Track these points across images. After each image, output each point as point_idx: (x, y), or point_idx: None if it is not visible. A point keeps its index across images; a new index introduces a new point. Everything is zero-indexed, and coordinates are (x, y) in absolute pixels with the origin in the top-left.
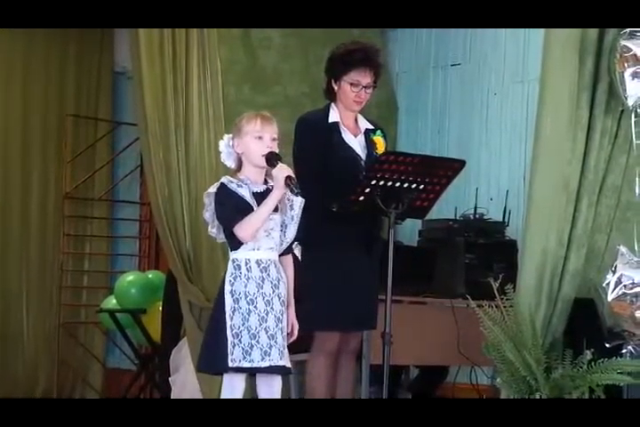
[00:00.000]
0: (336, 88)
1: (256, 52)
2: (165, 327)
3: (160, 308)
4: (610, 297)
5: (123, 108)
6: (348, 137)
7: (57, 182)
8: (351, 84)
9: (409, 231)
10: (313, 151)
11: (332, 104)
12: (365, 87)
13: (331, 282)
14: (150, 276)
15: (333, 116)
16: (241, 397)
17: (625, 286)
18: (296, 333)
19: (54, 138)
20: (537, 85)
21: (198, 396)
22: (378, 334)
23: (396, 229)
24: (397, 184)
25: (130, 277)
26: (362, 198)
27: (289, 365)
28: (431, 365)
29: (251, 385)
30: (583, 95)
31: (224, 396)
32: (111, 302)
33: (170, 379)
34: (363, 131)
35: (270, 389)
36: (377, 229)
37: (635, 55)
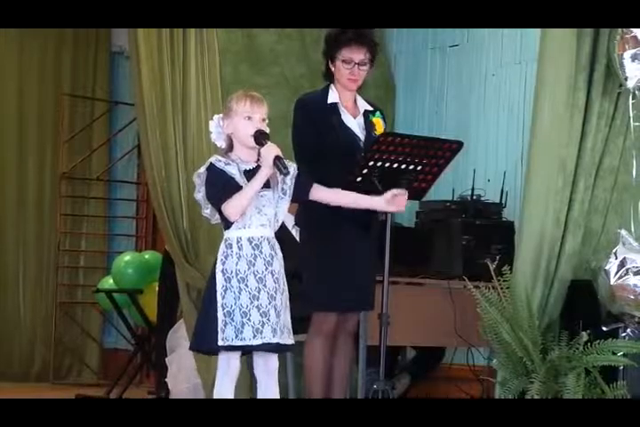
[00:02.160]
0: (333, 69)
1: (253, 33)
2: (161, 308)
3: (157, 288)
4: (612, 280)
5: (120, 87)
6: (347, 118)
7: (53, 162)
8: (344, 62)
9: (406, 212)
10: (312, 132)
11: (331, 85)
12: (359, 64)
13: (328, 263)
14: (147, 256)
15: (332, 97)
16: (236, 376)
17: (628, 269)
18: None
19: (51, 118)
20: (535, 67)
21: (195, 376)
22: (375, 314)
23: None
24: (395, 165)
25: (127, 257)
26: (359, 179)
27: (286, 342)
28: (428, 346)
29: (249, 364)
30: (580, 77)
31: (219, 375)
32: (108, 283)
33: (167, 359)
34: (362, 112)
35: (267, 367)
36: (374, 211)
37: (635, 37)
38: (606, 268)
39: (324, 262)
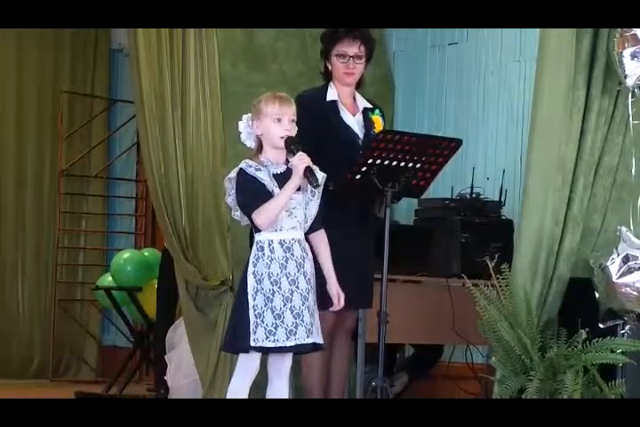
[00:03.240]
0: (330, 66)
1: (252, 31)
2: (160, 305)
3: (156, 285)
4: (614, 277)
5: (119, 85)
6: (346, 116)
7: (53, 160)
8: (338, 56)
9: (405, 210)
10: (310, 129)
11: (330, 83)
12: (354, 57)
13: None
14: (146, 253)
15: (331, 94)
16: (254, 376)
17: (630, 266)
18: (342, 301)
19: (50, 115)
20: (534, 65)
21: (194, 374)
22: (373, 312)
23: (392, 208)
24: (394, 163)
25: (126, 254)
26: (358, 177)
27: (320, 341)
28: (426, 344)
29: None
30: (580, 75)
31: (237, 374)
32: (107, 280)
33: (166, 356)
34: (361, 110)
35: (280, 366)
36: (373, 209)
37: (635, 35)
38: (608, 265)
39: None
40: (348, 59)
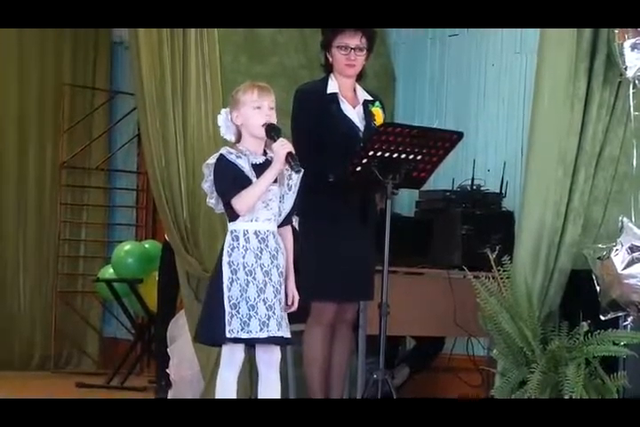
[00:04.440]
0: (330, 59)
1: None
2: (161, 297)
3: (157, 277)
4: (619, 268)
5: (120, 77)
6: (346, 108)
7: (54, 152)
8: (339, 48)
9: (406, 202)
10: (311, 122)
11: (331, 75)
12: (355, 49)
13: (327, 253)
14: (147, 245)
15: (332, 86)
16: (240, 367)
17: (635, 257)
18: (296, 304)
19: (51, 107)
20: (535, 56)
21: (197, 368)
22: (375, 304)
23: (393, 200)
24: (395, 155)
25: (127, 246)
26: (359, 169)
27: (288, 335)
28: (428, 336)
29: (250, 356)
30: (581, 66)
31: (223, 365)
32: (108, 272)
33: (168, 349)
34: (361, 102)
35: (269, 359)
36: (374, 200)
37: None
38: (612, 256)
39: (323, 252)
40: (350, 50)
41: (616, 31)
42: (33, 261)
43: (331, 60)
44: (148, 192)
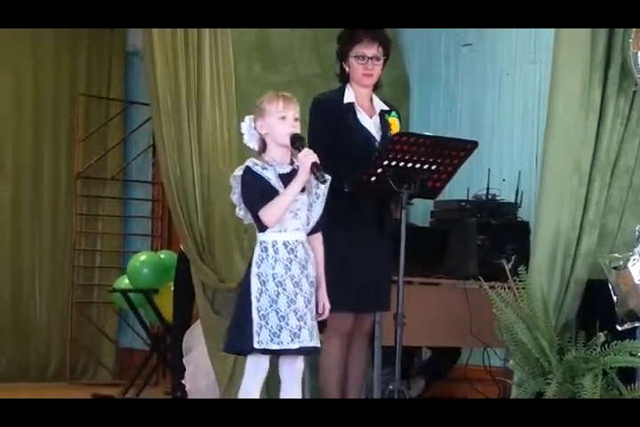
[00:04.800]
0: (347, 68)
1: (266, 32)
2: (177, 307)
3: (172, 288)
4: (636, 278)
5: (135, 87)
6: (363, 118)
7: (69, 162)
8: (356, 58)
9: (421, 212)
10: (327, 132)
11: (348, 85)
12: (372, 59)
13: (345, 263)
14: (163, 256)
15: (349, 96)
16: (264, 378)
17: None
18: (327, 312)
19: (66, 117)
20: (549, 66)
21: (212, 377)
22: (390, 315)
23: (408, 210)
24: (410, 165)
25: (142, 256)
26: (374, 179)
27: (319, 344)
28: (443, 346)
29: (271, 365)
30: (595, 76)
31: (247, 376)
32: (124, 282)
33: (184, 360)
34: (378, 112)
35: (293, 369)
36: (389, 210)
37: None
38: (629, 266)
39: (341, 262)
40: (367, 60)
41: (630, 40)
42: (48, 271)
43: (347, 69)
44: (163, 202)
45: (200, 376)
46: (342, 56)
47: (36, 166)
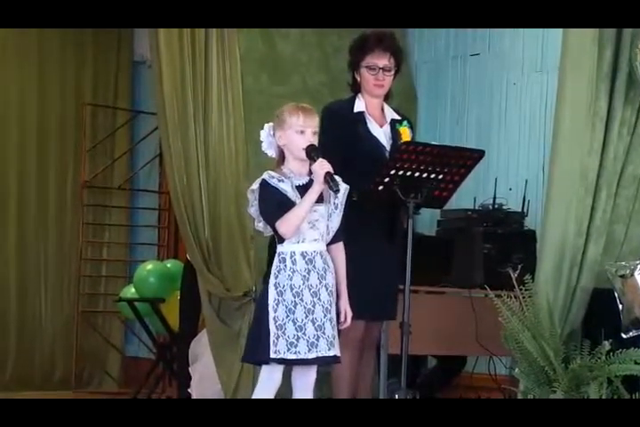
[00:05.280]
0: (358, 78)
1: (274, 41)
2: (183, 317)
3: (179, 297)
4: None
5: (142, 97)
6: (373, 127)
7: (75, 171)
8: (368, 68)
9: (428, 221)
10: (337, 141)
11: (358, 94)
12: (383, 69)
13: (356, 272)
14: (169, 265)
15: (359, 105)
16: (277, 388)
17: None
18: (349, 320)
19: (73, 127)
20: (556, 75)
21: (217, 385)
22: (396, 324)
23: (414, 219)
24: (417, 174)
25: (149, 266)
26: (381, 188)
27: (339, 353)
28: (449, 355)
29: (284, 374)
30: (602, 85)
31: (260, 386)
32: (130, 291)
33: (190, 368)
34: (389, 121)
35: (306, 380)
36: (398, 219)
37: None
38: (636, 275)
39: (352, 271)
40: (378, 70)
41: (637, 50)
42: (55, 280)
43: (359, 79)
44: (169, 212)
45: (206, 385)
46: (354, 66)
47: (43, 176)
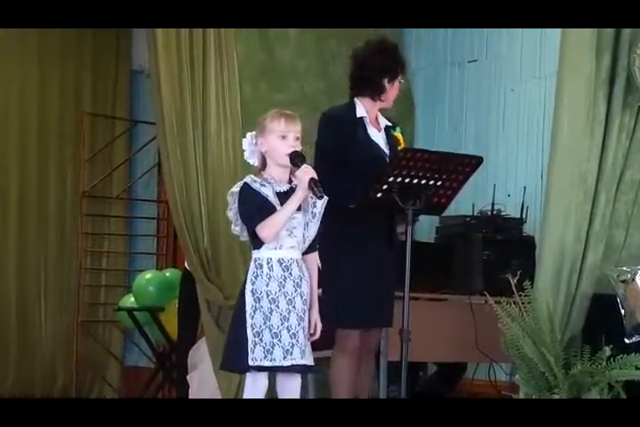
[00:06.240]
0: (388, 87)
1: (272, 49)
2: (182, 325)
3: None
4: None
5: (140, 106)
6: (372, 132)
7: (74, 181)
8: (399, 82)
9: (426, 228)
10: (337, 146)
11: (356, 100)
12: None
13: (353, 279)
14: (168, 274)
15: (360, 111)
16: (263, 394)
17: None
18: (319, 332)
19: (72, 136)
20: (554, 81)
21: (216, 394)
22: (396, 331)
23: (413, 226)
24: (415, 181)
25: (148, 275)
26: (379, 195)
27: (311, 363)
28: (449, 362)
29: (270, 382)
30: (600, 91)
31: (246, 393)
32: (129, 301)
33: (188, 377)
34: (383, 127)
35: (290, 386)
36: (396, 226)
37: None
38: (637, 279)
39: (347, 279)
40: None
41: (635, 55)
42: (54, 290)
43: (388, 88)
44: (168, 221)
45: (203, 394)
46: (393, 75)
47: (42, 185)
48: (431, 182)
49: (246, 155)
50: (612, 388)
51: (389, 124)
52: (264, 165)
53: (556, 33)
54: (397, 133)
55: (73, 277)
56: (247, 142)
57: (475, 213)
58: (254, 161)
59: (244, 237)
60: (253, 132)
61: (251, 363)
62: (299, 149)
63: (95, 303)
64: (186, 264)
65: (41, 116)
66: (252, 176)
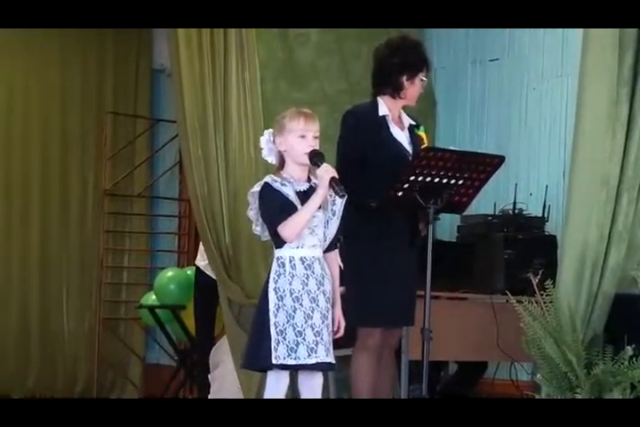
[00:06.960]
0: (407, 85)
1: (293, 49)
2: (199, 324)
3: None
4: None
5: (161, 105)
6: (395, 131)
7: (96, 179)
8: (421, 80)
9: (448, 227)
10: (359, 145)
11: (379, 98)
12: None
13: (372, 278)
14: (189, 272)
15: (383, 109)
16: (285, 392)
17: None
18: (342, 330)
19: (93, 135)
20: (576, 80)
21: (238, 392)
22: (417, 329)
23: (435, 225)
24: (436, 180)
25: (169, 273)
26: (401, 194)
27: (334, 361)
28: (470, 360)
29: (291, 380)
30: (623, 90)
31: (268, 392)
32: (151, 298)
33: (209, 375)
34: (407, 126)
35: (312, 384)
36: (417, 226)
37: None
38: None
39: (369, 277)
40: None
41: None
42: (76, 288)
43: (406, 86)
44: (190, 219)
45: (224, 393)
46: (412, 73)
47: (64, 184)
48: (452, 181)
49: (264, 153)
50: (634, 388)
51: (413, 123)
52: (282, 164)
53: (578, 31)
54: (421, 132)
55: (94, 274)
56: (265, 140)
57: (496, 212)
58: (272, 159)
59: (265, 237)
60: (271, 130)
61: (274, 361)
62: (317, 147)
63: (117, 301)
64: (196, 261)
65: (63, 116)
66: (273, 176)
